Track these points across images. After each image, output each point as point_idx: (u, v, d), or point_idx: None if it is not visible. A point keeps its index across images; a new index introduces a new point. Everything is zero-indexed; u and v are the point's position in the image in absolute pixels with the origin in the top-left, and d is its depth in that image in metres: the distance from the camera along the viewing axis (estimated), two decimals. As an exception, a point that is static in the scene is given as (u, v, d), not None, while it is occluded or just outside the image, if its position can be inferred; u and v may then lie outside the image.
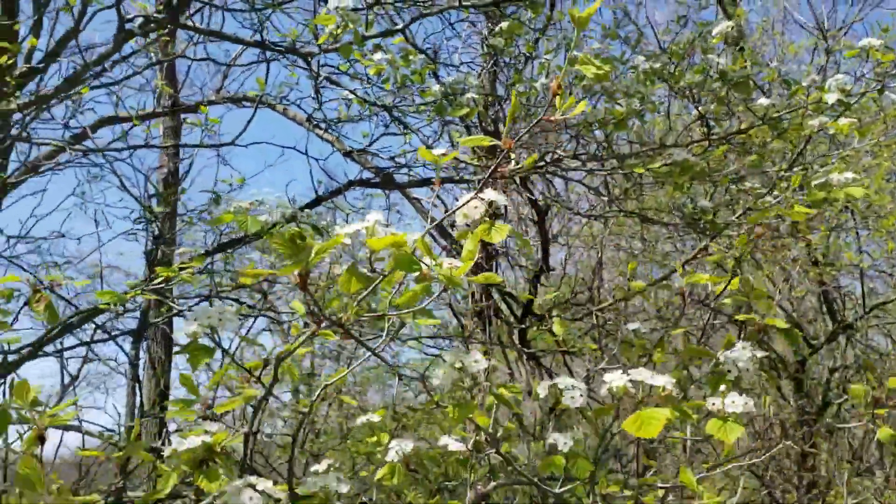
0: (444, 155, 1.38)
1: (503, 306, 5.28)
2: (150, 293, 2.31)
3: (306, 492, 1.60)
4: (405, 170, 4.46)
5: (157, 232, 5.66)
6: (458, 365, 1.48)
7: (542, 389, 1.55)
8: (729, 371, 1.63)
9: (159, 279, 2.27)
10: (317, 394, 1.71)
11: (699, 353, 1.72)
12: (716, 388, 1.57)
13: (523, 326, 4.79)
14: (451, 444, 1.94)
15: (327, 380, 1.77)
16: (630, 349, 2.06)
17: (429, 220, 1.50)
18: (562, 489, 1.81)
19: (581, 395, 1.49)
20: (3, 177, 4.02)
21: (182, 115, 6.04)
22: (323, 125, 4.41)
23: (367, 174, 4.46)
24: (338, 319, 1.39)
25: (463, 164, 4.35)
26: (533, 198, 4.04)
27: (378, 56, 2.90)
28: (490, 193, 1.30)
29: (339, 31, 2.39)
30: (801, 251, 7.08)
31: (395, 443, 1.87)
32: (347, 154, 4.84)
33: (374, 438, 2.34)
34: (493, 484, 2.11)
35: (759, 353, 1.65)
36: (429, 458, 2.02)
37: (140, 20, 3.18)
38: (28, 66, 3.79)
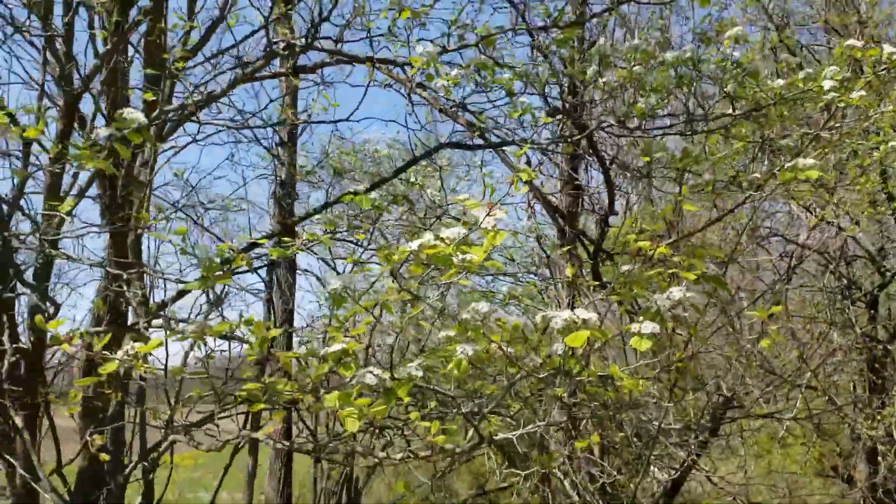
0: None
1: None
2: (299, 248, 3.21)
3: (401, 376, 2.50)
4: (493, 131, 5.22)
5: (282, 178, 6.69)
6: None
7: (538, 318, 2.32)
8: (650, 308, 2.33)
9: (299, 242, 3.17)
10: (406, 319, 2.62)
11: (640, 293, 2.41)
12: (646, 316, 2.28)
13: (594, 262, 5.54)
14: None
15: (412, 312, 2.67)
16: (622, 286, 2.71)
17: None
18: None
19: (560, 321, 2.23)
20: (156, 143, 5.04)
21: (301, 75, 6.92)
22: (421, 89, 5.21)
23: (458, 133, 5.27)
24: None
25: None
26: (599, 155, 4.72)
27: (454, 73, 3.72)
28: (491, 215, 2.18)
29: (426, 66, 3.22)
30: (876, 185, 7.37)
31: (461, 346, 2.67)
32: (442, 111, 5.63)
33: (452, 346, 3.20)
34: (519, 375, 2.89)
35: (687, 296, 2.31)
36: (483, 358, 2.76)
37: (283, 44, 4.05)
38: (183, 55, 4.75)
